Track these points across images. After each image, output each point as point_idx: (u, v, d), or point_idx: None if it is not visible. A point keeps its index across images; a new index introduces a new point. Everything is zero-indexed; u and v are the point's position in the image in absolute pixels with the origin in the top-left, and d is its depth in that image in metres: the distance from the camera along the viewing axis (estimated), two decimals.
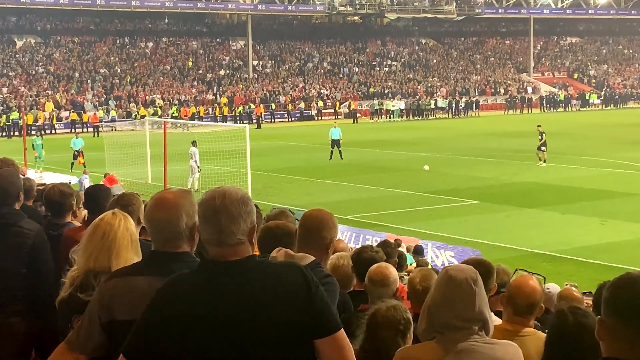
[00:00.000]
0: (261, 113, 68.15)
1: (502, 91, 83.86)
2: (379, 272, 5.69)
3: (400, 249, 17.72)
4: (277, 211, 6.10)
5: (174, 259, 3.73)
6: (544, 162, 36.39)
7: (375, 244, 19.32)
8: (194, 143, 32.27)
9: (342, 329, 3.39)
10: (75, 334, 3.83)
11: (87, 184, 25.74)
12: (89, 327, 3.80)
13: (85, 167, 35.02)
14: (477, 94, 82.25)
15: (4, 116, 59.12)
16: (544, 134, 37.12)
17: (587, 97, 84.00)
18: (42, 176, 29.89)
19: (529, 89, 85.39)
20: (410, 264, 14.73)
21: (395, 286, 5.78)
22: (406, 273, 9.55)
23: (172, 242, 3.76)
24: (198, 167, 31.86)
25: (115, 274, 3.91)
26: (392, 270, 5.81)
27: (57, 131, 59.85)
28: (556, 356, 3.81)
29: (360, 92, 78.31)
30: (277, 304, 3.24)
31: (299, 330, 3.26)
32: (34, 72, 70.25)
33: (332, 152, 40.22)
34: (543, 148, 36.92)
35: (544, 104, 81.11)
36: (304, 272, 3.35)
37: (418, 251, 17.14)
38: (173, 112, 63.27)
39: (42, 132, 56.55)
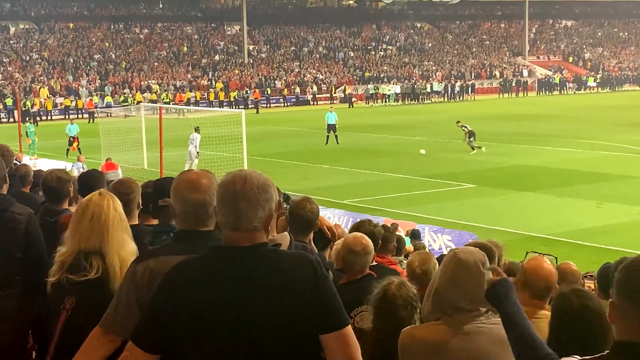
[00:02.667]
0: (258, 98, 68.07)
1: (498, 75, 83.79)
2: (358, 242, 5.64)
3: (397, 233, 17.75)
4: (302, 197, 6.07)
5: (206, 237, 3.74)
6: (480, 148, 35.55)
7: (387, 225, 19.36)
8: (197, 129, 32.21)
9: (350, 325, 3.36)
10: (111, 316, 3.82)
11: (81, 170, 25.72)
12: (127, 309, 3.77)
13: (80, 152, 34.99)
14: (472, 77, 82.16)
15: None
16: (466, 127, 36.38)
17: (583, 79, 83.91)
18: (35, 163, 29.79)
19: (525, 72, 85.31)
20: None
21: (372, 256, 5.76)
22: (404, 258, 9.55)
23: (205, 221, 3.80)
24: (197, 153, 31.81)
25: (150, 254, 3.91)
26: (369, 241, 5.77)
27: (53, 117, 59.70)
28: (561, 340, 3.78)
29: (355, 77, 78.19)
30: (284, 295, 3.22)
31: (305, 323, 3.24)
32: (28, 58, 70.00)
33: (328, 136, 40.24)
34: (472, 139, 36.07)
35: (539, 87, 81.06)
36: (314, 265, 3.31)
37: (415, 235, 17.11)
38: (163, 98, 62.98)
39: (38, 118, 56.51)
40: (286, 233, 4.36)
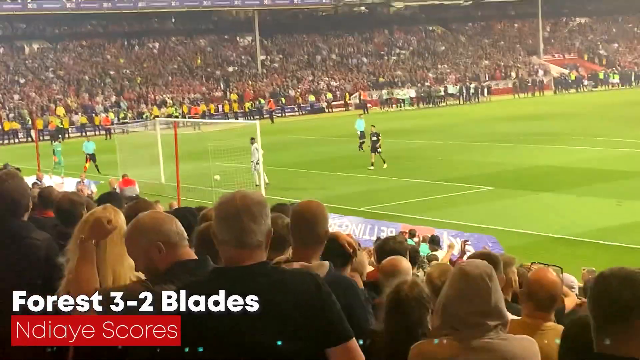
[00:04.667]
0: (272, 108, 68.20)
1: (513, 75, 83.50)
2: (390, 264, 5.63)
3: (415, 239, 17.68)
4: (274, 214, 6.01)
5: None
6: (375, 164, 34.15)
7: (390, 235, 19.27)
8: (252, 140, 31.72)
9: (354, 337, 3.38)
10: None
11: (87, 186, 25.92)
12: None
13: (99, 171, 35.19)
14: (487, 78, 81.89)
15: (16, 122, 59.46)
16: (379, 135, 35.05)
17: (602, 77, 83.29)
18: (63, 182, 29.93)
19: (540, 72, 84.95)
20: (425, 255, 14.65)
21: (408, 277, 5.70)
22: (417, 269, 9.48)
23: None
24: (256, 163, 31.34)
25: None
26: (405, 262, 5.73)
27: (70, 135, 60.03)
28: (574, 349, 3.72)
29: (369, 82, 78.16)
30: (290, 311, 3.23)
31: (311, 338, 3.26)
32: (44, 78, 70.46)
33: (361, 143, 39.29)
34: (379, 150, 34.62)
35: (556, 86, 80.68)
36: (316, 280, 3.34)
37: (434, 241, 17.05)
38: (173, 112, 63.06)
39: (61, 137, 56.86)
40: (325, 262, 4.32)
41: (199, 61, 78.59)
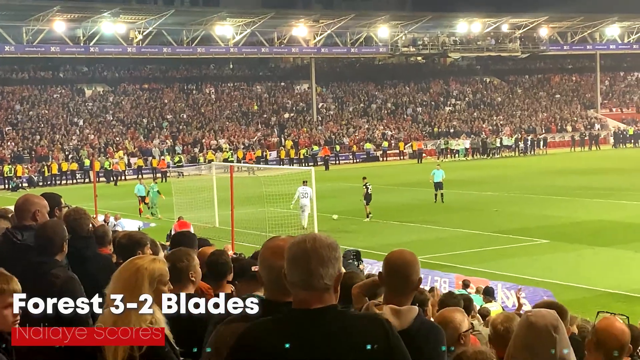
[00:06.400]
0: (327, 155, 68.55)
1: (570, 128, 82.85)
2: (442, 316, 5.59)
3: (469, 289, 17.51)
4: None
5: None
6: (369, 215, 34.11)
7: (443, 285, 19.07)
8: (304, 182, 32.21)
9: None
10: None
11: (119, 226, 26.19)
12: None
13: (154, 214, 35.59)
14: (543, 131, 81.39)
15: (75, 163, 60.48)
16: (369, 187, 34.77)
17: None
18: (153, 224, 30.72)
19: (597, 126, 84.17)
20: (481, 305, 14.48)
21: (461, 329, 5.65)
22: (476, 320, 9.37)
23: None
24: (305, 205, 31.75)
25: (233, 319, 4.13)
26: (458, 314, 5.67)
27: (127, 177, 60.80)
28: None
29: (424, 132, 78.14)
30: (357, 356, 3.24)
31: None
32: (103, 120, 71.73)
33: (436, 194, 39.04)
34: (366, 202, 34.53)
35: (615, 140, 79.76)
36: (384, 325, 3.34)
37: (488, 292, 16.87)
38: (229, 157, 63.66)
39: (116, 178, 57.53)
40: (415, 307, 4.32)
41: (255, 107, 79.40)
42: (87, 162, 60.14)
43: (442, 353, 4.20)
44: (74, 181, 59.63)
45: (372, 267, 19.84)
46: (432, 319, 5.25)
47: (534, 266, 23.11)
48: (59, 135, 66.88)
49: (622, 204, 35.19)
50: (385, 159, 71.74)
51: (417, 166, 63.13)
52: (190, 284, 5.48)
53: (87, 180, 57.63)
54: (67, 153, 63.39)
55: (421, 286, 7.97)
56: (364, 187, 35.00)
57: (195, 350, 4.29)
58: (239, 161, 62.64)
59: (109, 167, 59.57)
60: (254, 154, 67.04)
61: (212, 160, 56.88)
